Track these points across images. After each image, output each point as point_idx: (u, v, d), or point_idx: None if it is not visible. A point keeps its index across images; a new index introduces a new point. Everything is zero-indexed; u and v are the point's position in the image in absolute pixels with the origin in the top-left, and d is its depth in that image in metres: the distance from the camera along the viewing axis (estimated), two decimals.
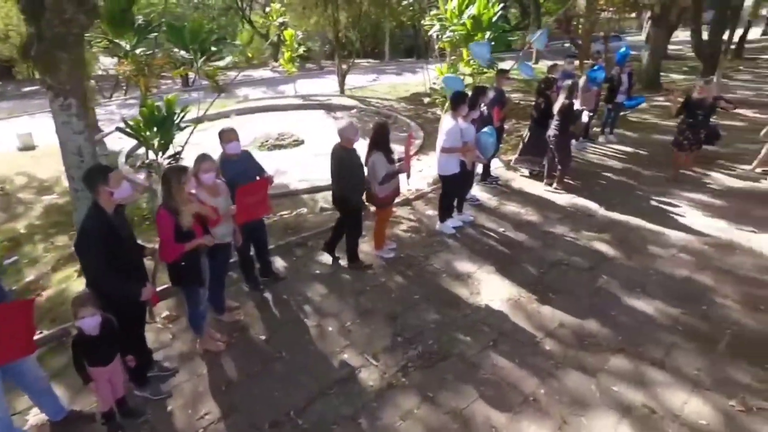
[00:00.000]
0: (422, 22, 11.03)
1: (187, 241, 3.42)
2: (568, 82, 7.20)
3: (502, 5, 9.73)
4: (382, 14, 22.38)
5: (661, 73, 16.85)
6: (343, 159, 4.90)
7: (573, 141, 9.33)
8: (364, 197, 5.16)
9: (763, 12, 35.33)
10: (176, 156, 6.22)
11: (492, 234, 6.02)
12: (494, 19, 9.21)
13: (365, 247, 5.59)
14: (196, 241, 3.48)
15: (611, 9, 20.86)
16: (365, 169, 5.02)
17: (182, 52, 6.23)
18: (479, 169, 7.27)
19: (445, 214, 6.11)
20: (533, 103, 8.15)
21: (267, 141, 10.39)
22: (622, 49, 9.49)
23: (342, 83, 15.89)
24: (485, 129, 5.99)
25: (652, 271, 5.08)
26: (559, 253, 5.48)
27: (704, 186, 7.31)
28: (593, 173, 8.03)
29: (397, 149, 5.50)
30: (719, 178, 7.62)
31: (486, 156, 6.17)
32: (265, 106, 14.12)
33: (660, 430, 3.22)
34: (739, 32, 23.38)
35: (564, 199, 6.99)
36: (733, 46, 23.17)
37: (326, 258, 5.49)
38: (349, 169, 4.90)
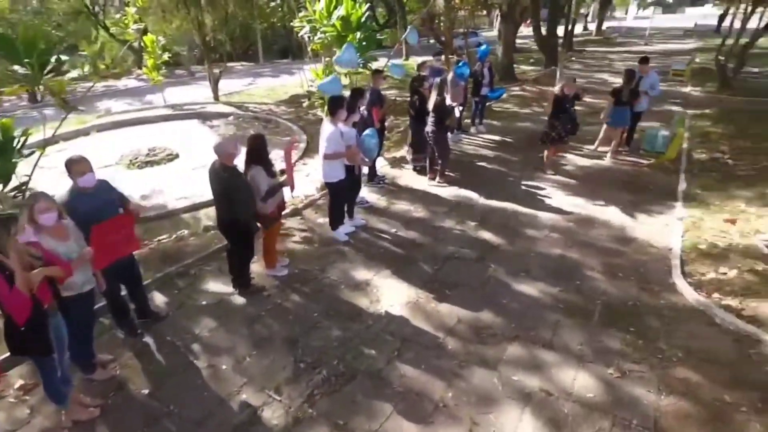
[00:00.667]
0: (292, 23, 10.46)
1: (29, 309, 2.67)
2: (437, 79, 7.26)
3: (368, 5, 9.57)
4: (250, 16, 21.22)
5: (514, 65, 18.10)
6: (225, 179, 4.31)
7: (449, 134, 9.58)
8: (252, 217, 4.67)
9: (582, 11, 39.97)
10: (22, 187, 5.13)
11: (385, 236, 5.86)
12: (363, 19, 9.02)
13: (256, 267, 5.09)
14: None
15: (466, 8, 22.03)
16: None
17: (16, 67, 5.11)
18: (365, 170, 7.08)
19: (336, 221, 5.81)
20: (408, 100, 8.15)
21: (136, 158, 9.16)
22: (483, 46, 9.89)
23: (215, 89, 14.72)
24: (366, 131, 5.77)
25: (532, 253, 5.28)
26: (449, 247, 5.48)
27: (561, 167, 7.88)
28: (470, 163, 8.27)
29: (284, 156, 5.04)
30: (572, 159, 8.28)
31: (370, 157, 5.96)
32: (132, 119, 12.54)
33: (557, 411, 3.27)
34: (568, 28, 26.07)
35: (448, 191, 7.08)
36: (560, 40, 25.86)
37: (213, 286, 4.90)
38: (235, 190, 4.33)
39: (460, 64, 9.08)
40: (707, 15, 38.58)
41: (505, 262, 5.11)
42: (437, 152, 7.31)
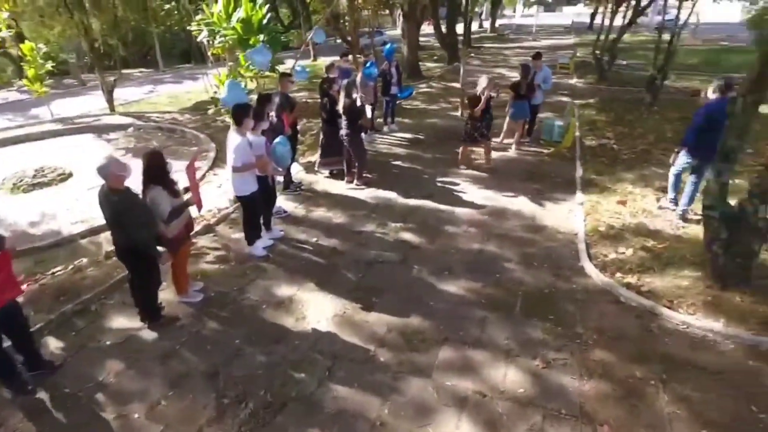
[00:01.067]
0: (188, 27, 9.64)
1: None
2: (345, 81, 7.03)
3: (268, 6, 9.07)
4: (143, 19, 19.45)
5: (419, 63, 18.35)
6: (115, 203, 3.73)
7: (363, 135, 9.39)
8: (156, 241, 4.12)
9: (476, 9, 41.79)
10: None
11: (306, 246, 5.53)
12: (265, 21, 8.52)
13: (166, 295, 4.55)
14: None
15: (369, 8, 21.96)
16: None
17: None
18: (280, 178, 6.68)
19: (252, 235, 5.37)
20: (319, 102, 7.84)
21: (21, 180, 7.93)
22: (387, 45, 9.79)
23: (110, 99, 13.26)
24: (277, 139, 5.37)
25: (453, 250, 5.25)
26: (372, 252, 5.29)
27: (473, 161, 8.03)
28: (386, 163, 8.15)
29: (187, 174, 4.51)
30: (479, 152, 8.45)
31: (283, 166, 5.58)
32: (14, 137, 10.90)
33: (492, 412, 3.22)
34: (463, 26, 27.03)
35: (366, 194, 6.89)
36: (460, 38, 26.79)
37: (118, 322, 4.30)
38: (128, 215, 3.77)
39: (368, 64, 8.91)
40: (581, 13, 42.09)
41: (428, 262, 5.03)
42: (353, 154, 7.09)
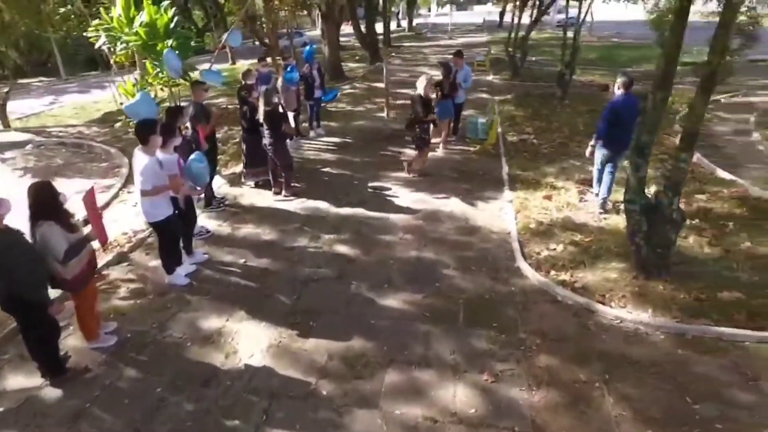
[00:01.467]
0: (86, 33, 8.52)
1: None
2: (264, 88, 6.51)
3: (175, 9, 8.23)
4: (37, 24, 17.17)
5: (342, 63, 17.92)
6: None
7: (288, 141, 8.86)
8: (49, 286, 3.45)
9: (393, 9, 41.99)
10: None
11: (233, 269, 5.00)
12: (172, 24, 7.69)
13: (73, 341, 3.87)
14: None
15: (286, 8, 21.12)
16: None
17: None
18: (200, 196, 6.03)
19: (171, 263, 4.74)
20: (239, 110, 7.23)
21: None
22: (307, 47, 9.29)
23: (3, 114, 11.55)
24: (193, 155, 4.77)
25: (391, 260, 4.97)
26: (306, 269, 4.88)
27: (400, 163, 7.81)
28: (314, 170, 7.71)
29: (85, 205, 3.81)
30: (407, 153, 8.27)
31: (201, 184, 4.98)
32: None
33: None
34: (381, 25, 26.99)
35: (296, 205, 6.43)
36: (380, 37, 26.69)
37: (15, 381, 3.57)
38: (8, 257, 3.10)
39: (288, 68, 8.38)
40: (492, 12, 43.72)
41: (366, 276, 4.71)
42: (279, 164, 6.59)
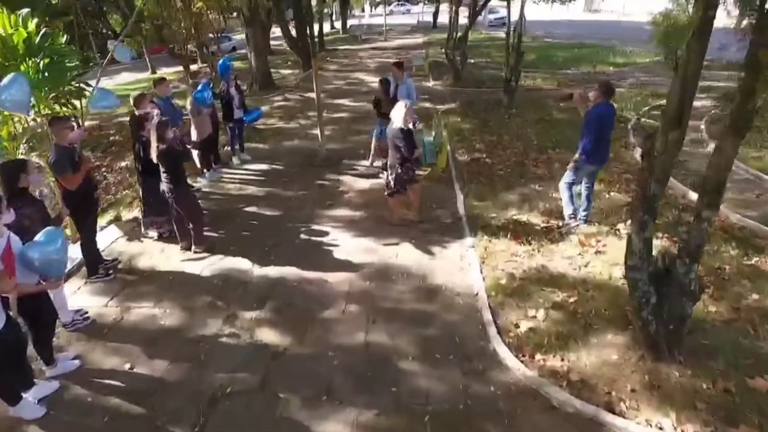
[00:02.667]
0: None
1: None
2: (156, 120, 5.03)
3: (45, 20, 6.47)
4: None
5: (272, 70, 16.32)
6: None
7: (205, 171, 7.34)
8: None
9: (326, 10, 40.42)
10: None
11: (114, 382, 3.54)
12: (38, 38, 5.97)
13: None
14: None
15: (209, 11, 19.07)
16: None
17: None
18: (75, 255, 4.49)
19: (12, 393, 3.22)
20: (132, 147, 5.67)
21: None
22: (221, 60, 7.76)
23: None
24: (40, 234, 3.24)
25: (331, 351, 3.72)
26: (217, 377, 3.52)
27: (340, 195, 6.58)
28: (236, 211, 6.27)
29: None
30: (349, 182, 7.07)
31: (57, 275, 3.45)
32: None
33: None
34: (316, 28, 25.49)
35: (209, 265, 5.01)
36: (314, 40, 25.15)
37: None
38: None
39: (199, 86, 6.85)
40: (424, 12, 43.21)
41: (299, 382, 3.43)
42: (183, 214, 5.14)
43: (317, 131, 8.23)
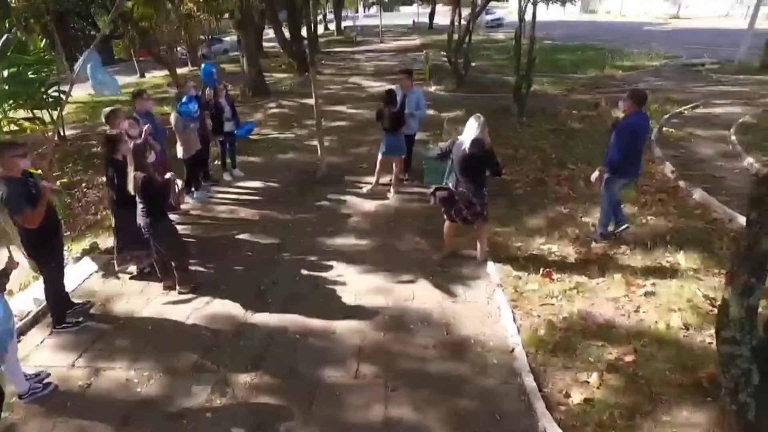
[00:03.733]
0: None
1: None
2: (132, 143, 4.32)
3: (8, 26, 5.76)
4: None
5: (266, 74, 15.59)
6: None
7: (194, 191, 6.62)
8: None
9: (320, 11, 39.65)
10: None
11: None
12: None
13: None
14: None
15: (198, 13, 18.32)
16: None
17: None
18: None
19: None
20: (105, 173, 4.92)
21: None
22: (204, 65, 6.99)
23: None
24: None
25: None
26: None
27: (343, 220, 5.89)
28: (227, 240, 5.55)
29: None
30: (353, 203, 6.37)
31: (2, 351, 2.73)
32: None
33: None
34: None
35: (195, 309, 4.30)
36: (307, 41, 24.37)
37: None
38: None
39: (184, 99, 6.12)
40: (421, 13, 42.58)
41: None
42: (163, 251, 4.42)
43: (315, 142, 7.57)
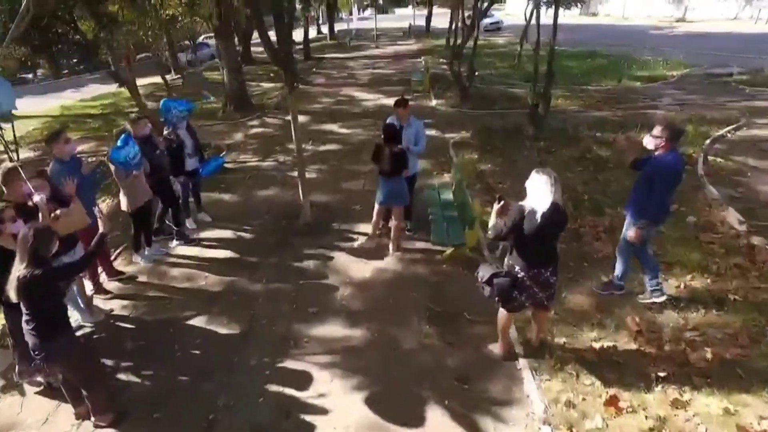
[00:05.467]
0: None
1: None
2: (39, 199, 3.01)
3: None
4: None
5: (253, 83, 14.26)
6: None
7: (144, 249, 5.31)
8: None
9: (312, 14, 38.32)
10: None
11: None
12: None
13: None
14: None
15: (181, 17, 16.96)
16: None
17: None
18: None
19: None
20: None
21: None
22: (162, 101, 5.64)
23: None
24: None
25: None
26: None
27: (330, 294, 4.58)
28: (174, 327, 4.21)
29: None
30: (341, 266, 5.06)
31: None
32: None
33: None
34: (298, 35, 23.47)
35: None
36: (298, 47, 23.03)
37: None
38: None
39: (119, 142, 4.59)
40: (417, 15, 41.25)
41: None
42: (69, 378, 3.10)
43: (294, 174, 6.26)
